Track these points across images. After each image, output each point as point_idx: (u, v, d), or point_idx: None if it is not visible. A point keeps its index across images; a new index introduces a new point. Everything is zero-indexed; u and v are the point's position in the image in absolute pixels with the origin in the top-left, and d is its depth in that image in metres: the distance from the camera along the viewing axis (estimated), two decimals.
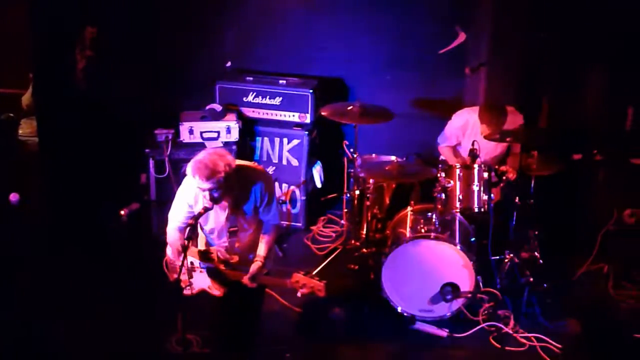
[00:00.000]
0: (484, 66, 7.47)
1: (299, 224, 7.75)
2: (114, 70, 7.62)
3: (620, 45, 7.11)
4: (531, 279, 6.54)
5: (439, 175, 6.50)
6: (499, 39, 7.46)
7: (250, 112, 7.69)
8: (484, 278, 6.55)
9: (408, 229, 6.52)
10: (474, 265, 6.30)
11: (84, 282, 6.59)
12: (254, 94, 7.65)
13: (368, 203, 6.82)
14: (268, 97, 7.64)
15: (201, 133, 7.40)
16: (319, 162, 7.84)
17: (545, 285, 6.57)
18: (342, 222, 7.63)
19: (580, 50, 7.26)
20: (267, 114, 7.67)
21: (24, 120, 8.61)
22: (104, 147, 7.52)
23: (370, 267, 6.74)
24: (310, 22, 7.80)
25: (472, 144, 6.48)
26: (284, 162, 7.66)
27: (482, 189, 6.51)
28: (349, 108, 6.85)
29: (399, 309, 6.42)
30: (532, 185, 6.52)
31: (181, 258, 5.04)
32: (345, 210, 7.49)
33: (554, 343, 6.11)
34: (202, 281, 5.33)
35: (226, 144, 7.36)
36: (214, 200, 5.04)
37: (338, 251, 7.19)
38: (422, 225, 6.44)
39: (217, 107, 7.47)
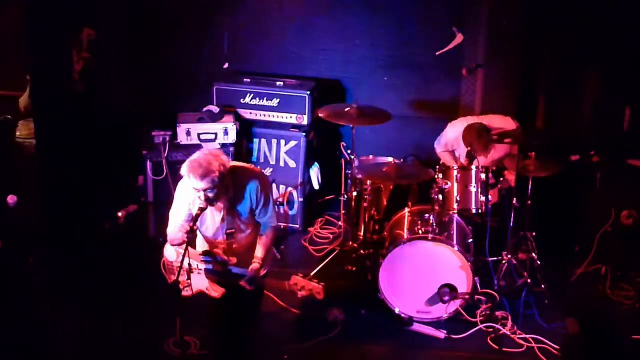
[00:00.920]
0: (481, 67, 7.48)
1: (297, 226, 7.75)
2: (112, 72, 7.62)
3: (617, 46, 7.12)
4: (529, 280, 6.56)
5: (436, 176, 6.51)
6: (496, 40, 7.48)
7: (247, 114, 7.69)
8: (481, 279, 6.56)
9: (405, 230, 6.52)
10: (471, 266, 6.31)
11: (81, 285, 6.58)
12: (252, 95, 7.65)
13: (365, 205, 6.83)
14: (265, 98, 7.64)
15: (199, 135, 7.40)
16: (316, 163, 7.84)
17: (543, 286, 6.58)
18: (340, 223, 7.63)
19: (577, 51, 7.27)
20: (264, 115, 7.67)
21: (21, 122, 8.59)
22: (101, 149, 7.52)
23: (367, 269, 6.75)
24: (308, 24, 7.81)
25: (471, 145, 6.49)
26: (282, 163, 7.66)
27: (479, 190, 6.52)
28: (346, 110, 6.85)
29: (397, 311, 6.42)
30: (530, 186, 6.52)
31: (180, 259, 5.04)
32: (343, 211, 7.49)
33: (551, 344, 6.11)
34: (200, 282, 5.33)
35: (224, 146, 7.37)
36: (209, 201, 5.04)
37: (336, 253, 7.18)
38: (419, 227, 6.44)
39: (215, 108, 7.47)
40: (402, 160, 7.01)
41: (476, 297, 6.45)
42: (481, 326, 6.33)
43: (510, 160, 6.93)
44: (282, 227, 7.34)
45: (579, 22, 7.13)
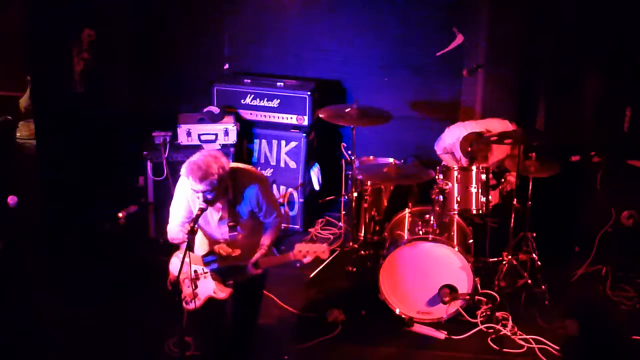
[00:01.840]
0: (481, 68, 7.47)
1: (297, 226, 7.75)
2: (112, 73, 7.62)
3: (618, 46, 7.12)
4: (529, 281, 6.56)
5: (436, 177, 6.50)
6: (496, 40, 7.47)
7: (248, 115, 7.68)
8: (482, 280, 6.56)
9: (406, 231, 6.52)
10: (471, 267, 6.30)
11: (81, 285, 6.58)
12: (252, 96, 7.65)
13: (366, 205, 6.83)
14: (266, 99, 7.64)
15: (199, 135, 7.39)
16: (316, 164, 7.83)
17: (543, 287, 6.57)
18: (340, 224, 7.63)
19: (577, 52, 7.27)
20: (264, 116, 7.67)
21: (21, 123, 8.64)
22: (101, 150, 7.52)
23: (368, 269, 6.74)
24: (308, 25, 7.80)
25: (471, 146, 6.49)
26: (282, 164, 7.65)
27: (480, 191, 6.52)
28: (346, 110, 6.85)
29: (397, 311, 6.41)
30: (530, 187, 6.52)
31: (185, 268, 5.08)
32: (343, 212, 7.49)
33: (552, 345, 6.10)
34: (207, 287, 5.30)
35: (224, 147, 7.36)
36: (208, 202, 5.04)
37: (336, 253, 7.18)
38: (420, 227, 6.44)
39: (215, 109, 7.47)
40: (402, 160, 7.00)
41: (476, 297, 6.45)
42: (481, 327, 6.32)
43: (511, 161, 6.93)
44: (283, 227, 7.32)
45: (579, 22, 7.12)
